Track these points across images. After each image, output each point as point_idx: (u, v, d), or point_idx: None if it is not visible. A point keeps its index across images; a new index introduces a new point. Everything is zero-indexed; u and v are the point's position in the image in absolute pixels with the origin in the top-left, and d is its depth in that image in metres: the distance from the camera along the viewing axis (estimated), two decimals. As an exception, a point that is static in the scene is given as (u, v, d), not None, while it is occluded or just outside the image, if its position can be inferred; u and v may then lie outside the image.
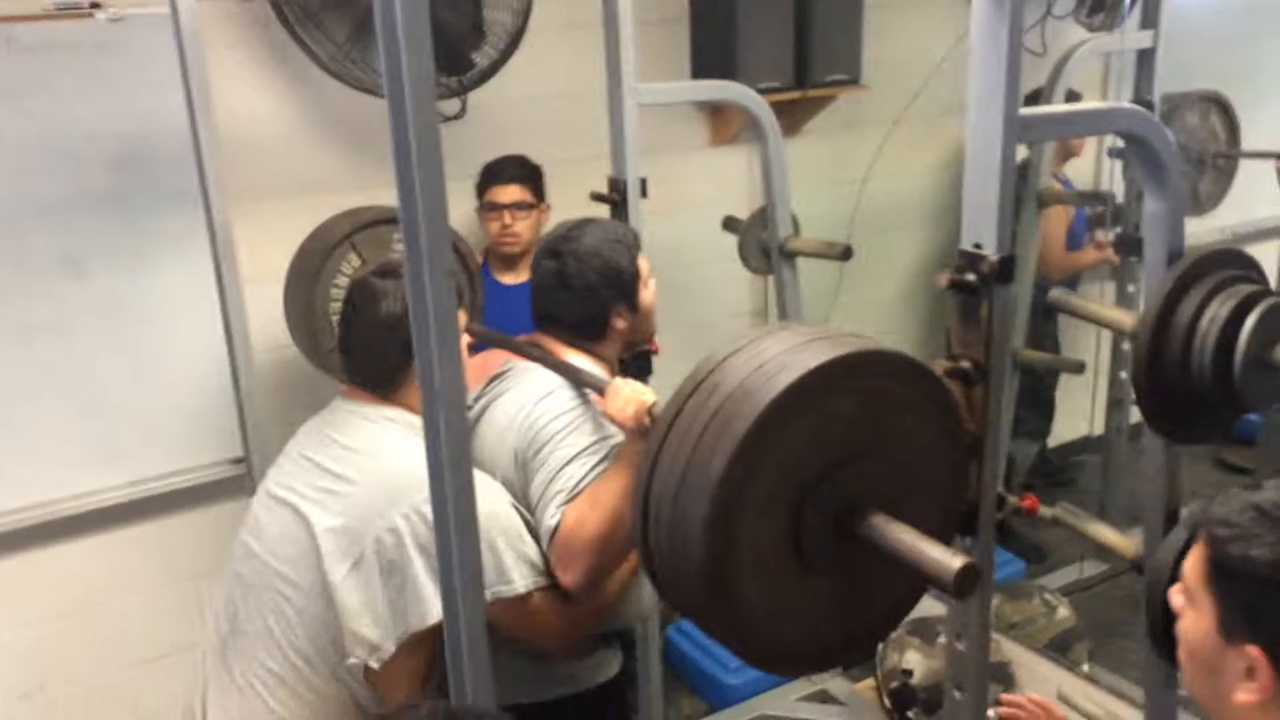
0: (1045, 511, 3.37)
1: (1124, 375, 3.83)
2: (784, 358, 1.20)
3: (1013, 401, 3.77)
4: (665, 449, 1.22)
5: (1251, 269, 1.90)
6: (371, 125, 2.93)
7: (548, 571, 1.88)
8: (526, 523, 1.91)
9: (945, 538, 1.41)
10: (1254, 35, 4.64)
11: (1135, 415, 3.72)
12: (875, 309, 4.03)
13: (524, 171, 2.92)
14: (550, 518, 1.88)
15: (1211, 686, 1.20)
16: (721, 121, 3.48)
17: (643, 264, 2.12)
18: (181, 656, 2.99)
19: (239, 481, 2.86)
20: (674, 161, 3.43)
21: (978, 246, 1.72)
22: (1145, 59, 3.38)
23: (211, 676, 1.91)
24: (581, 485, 1.90)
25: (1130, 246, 3.64)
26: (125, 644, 2.96)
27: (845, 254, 2.72)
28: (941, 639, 3.03)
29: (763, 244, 2.93)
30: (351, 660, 1.78)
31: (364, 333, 1.88)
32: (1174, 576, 1.93)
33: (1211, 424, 1.96)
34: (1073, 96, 3.57)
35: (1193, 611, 1.21)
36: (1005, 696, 1.68)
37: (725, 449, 1.16)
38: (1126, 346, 3.82)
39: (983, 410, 1.77)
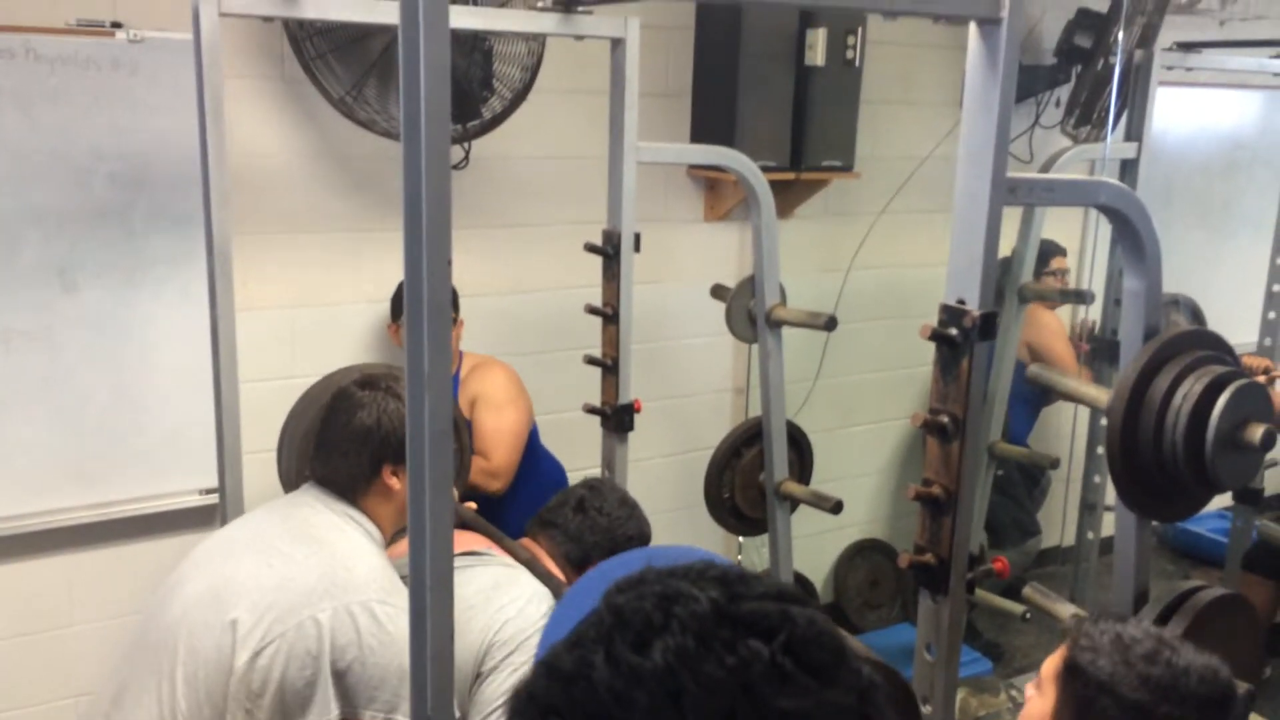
0: (1013, 607, 3.38)
1: (1098, 479, 3.84)
2: None
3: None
4: None
5: (1224, 351, 1.95)
6: (375, 166, 3.00)
7: None
8: None
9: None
10: (1234, 165, 4.79)
11: (1108, 527, 3.71)
12: (853, 395, 4.07)
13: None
14: None
15: None
16: (716, 198, 3.55)
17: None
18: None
19: (209, 512, 2.82)
20: (667, 233, 3.50)
21: (961, 302, 1.76)
22: (1129, 169, 3.49)
23: None
24: None
25: (1105, 351, 3.68)
26: (75, 673, 2.88)
27: (829, 324, 2.76)
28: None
29: (749, 311, 2.96)
30: None
31: (338, 440, 1.92)
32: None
33: (1185, 502, 1.99)
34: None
35: (1039, 698, 1.49)
36: None
37: None
38: (1102, 451, 3.85)
39: (959, 465, 1.80)
